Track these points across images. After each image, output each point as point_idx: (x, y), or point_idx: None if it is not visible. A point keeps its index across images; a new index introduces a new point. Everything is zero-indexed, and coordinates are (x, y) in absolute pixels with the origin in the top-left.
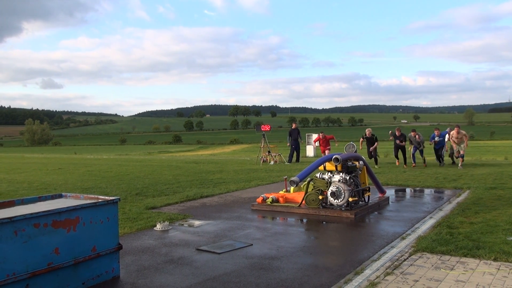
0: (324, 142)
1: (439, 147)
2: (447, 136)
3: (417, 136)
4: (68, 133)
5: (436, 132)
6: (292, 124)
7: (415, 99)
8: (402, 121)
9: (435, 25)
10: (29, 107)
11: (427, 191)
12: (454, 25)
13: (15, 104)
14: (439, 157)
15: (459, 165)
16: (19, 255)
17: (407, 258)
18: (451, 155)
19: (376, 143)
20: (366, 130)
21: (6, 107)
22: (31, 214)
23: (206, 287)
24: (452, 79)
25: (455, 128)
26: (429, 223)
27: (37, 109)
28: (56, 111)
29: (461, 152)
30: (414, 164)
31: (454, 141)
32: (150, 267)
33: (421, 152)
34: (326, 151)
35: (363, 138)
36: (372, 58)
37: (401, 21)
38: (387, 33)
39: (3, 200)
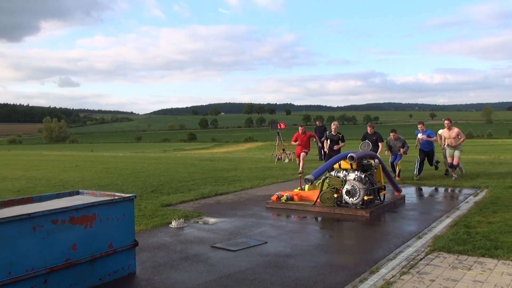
0: (304, 141)
1: (428, 150)
2: (440, 134)
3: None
4: (85, 130)
5: (420, 127)
6: (317, 121)
7: (431, 97)
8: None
9: (453, 21)
10: (47, 105)
11: (443, 189)
12: (472, 21)
13: (33, 102)
14: (432, 163)
15: (453, 176)
16: (38, 250)
17: (424, 257)
18: (436, 163)
19: (342, 143)
20: (332, 125)
21: (24, 105)
22: (49, 210)
23: (221, 284)
24: (470, 77)
25: (445, 122)
26: (446, 222)
27: (55, 107)
28: (73, 109)
29: (455, 161)
30: (396, 176)
31: (448, 144)
32: (165, 264)
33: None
34: (302, 154)
35: (326, 138)
36: (388, 56)
37: (418, 18)
38: (403, 30)
39: (22, 196)
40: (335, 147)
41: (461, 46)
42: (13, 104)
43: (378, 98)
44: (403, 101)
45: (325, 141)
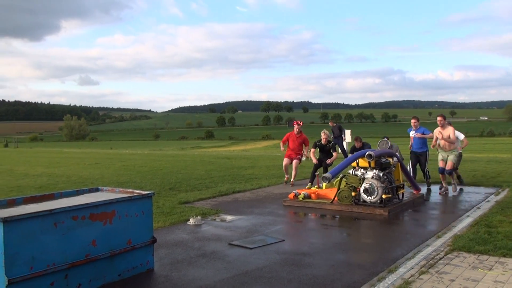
0: (297, 144)
1: (420, 152)
2: (435, 133)
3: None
4: (104, 128)
5: (413, 123)
6: (330, 122)
7: (452, 94)
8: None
9: (474, 17)
10: (67, 103)
11: (464, 188)
12: (494, 17)
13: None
14: (424, 170)
15: (442, 185)
16: (59, 246)
17: (443, 257)
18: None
19: (334, 154)
20: (322, 134)
21: (46, 103)
22: (70, 207)
23: (238, 282)
24: (491, 73)
25: (438, 120)
26: (466, 221)
27: (75, 105)
28: (92, 107)
29: (448, 165)
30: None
31: (439, 145)
32: (183, 260)
33: None
34: (295, 161)
35: (314, 146)
36: (407, 53)
37: (438, 14)
38: (422, 26)
39: (43, 193)
40: (328, 161)
41: (482, 42)
42: (35, 102)
43: (397, 96)
44: (422, 99)
45: (312, 150)
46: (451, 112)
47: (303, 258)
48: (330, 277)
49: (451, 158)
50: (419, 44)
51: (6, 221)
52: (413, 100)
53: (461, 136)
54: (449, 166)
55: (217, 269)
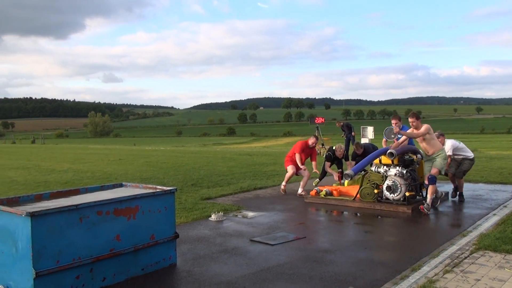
0: (304, 156)
1: None
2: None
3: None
4: (128, 125)
5: (394, 123)
6: (337, 123)
7: (478, 90)
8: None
9: (501, 11)
10: (92, 101)
11: (490, 186)
12: None
13: (79, 98)
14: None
15: (426, 204)
16: (84, 240)
17: (468, 256)
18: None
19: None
20: (338, 149)
21: (71, 100)
22: (95, 202)
23: (260, 278)
24: None
25: (410, 121)
26: (492, 220)
27: (99, 102)
28: (116, 104)
29: (432, 171)
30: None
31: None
32: (205, 256)
33: None
34: (304, 172)
35: (329, 159)
36: (432, 48)
37: (464, 8)
38: (448, 21)
39: (69, 188)
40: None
41: (510, 36)
42: (61, 99)
43: (421, 92)
44: (447, 95)
45: (328, 164)
46: (477, 108)
47: (324, 255)
48: (352, 275)
49: (437, 164)
50: (444, 39)
51: (34, 215)
52: (438, 96)
53: (448, 149)
54: (434, 172)
55: (238, 265)
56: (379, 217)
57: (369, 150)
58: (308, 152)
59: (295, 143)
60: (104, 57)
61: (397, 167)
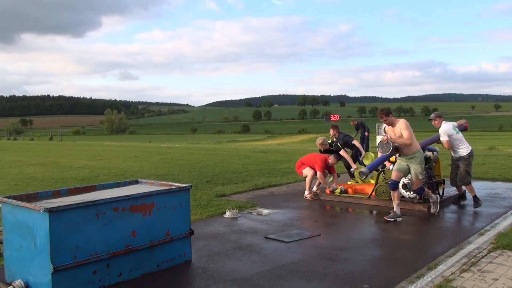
0: (323, 166)
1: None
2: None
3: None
4: (143, 122)
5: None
6: (351, 122)
7: (496, 87)
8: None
9: None
10: (108, 98)
11: (508, 185)
12: None
13: (95, 95)
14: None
15: (433, 209)
16: (101, 236)
17: (486, 255)
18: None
19: (343, 152)
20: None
21: (88, 98)
22: (111, 198)
23: (274, 275)
24: None
25: (381, 119)
26: (510, 219)
27: (115, 99)
28: (132, 101)
29: (414, 184)
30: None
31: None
32: (220, 253)
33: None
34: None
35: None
36: (449, 44)
37: (482, 4)
38: (465, 17)
39: (86, 184)
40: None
41: None
42: (78, 97)
43: (438, 89)
44: (465, 92)
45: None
46: (496, 105)
47: (339, 253)
48: (367, 273)
49: (414, 170)
50: (462, 35)
51: (52, 211)
52: (455, 93)
53: (442, 134)
54: (415, 184)
55: (253, 262)
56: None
57: (342, 137)
58: (326, 164)
59: (310, 153)
60: (120, 55)
61: None
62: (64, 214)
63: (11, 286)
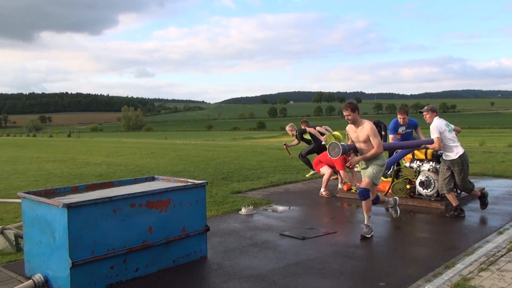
0: (342, 164)
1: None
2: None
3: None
4: (159, 119)
5: (401, 118)
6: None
7: None
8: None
9: None
10: (125, 95)
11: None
12: None
13: (112, 92)
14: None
15: (365, 228)
16: (118, 232)
17: (505, 254)
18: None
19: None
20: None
21: (105, 95)
22: (128, 194)
23: (290, 272)
24: None
25: (345, 114)
26: None
27: (132, 96)
28: (148, 98)
29: (363, 183)
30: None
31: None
32: (235, 249)
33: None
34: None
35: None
36: (468, 40)
37: None
38: (485, 11)
39: (103, 181)
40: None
41: None
42: (95, 94)
43: (456, 85)
44: (484, 88)
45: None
46: None
47: (355, 250)
48: (383, 271)
49: (369, 172)
50: (481, 30)
51: (70, 207)
52: (474, 90)
53: (432, 130)
54: (364, 183)
55: (268, 258)
56: (411, 213)
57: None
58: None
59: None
60: (136, 52)
61: (431, 162)
62: (82, 209)
63: (31, 280)
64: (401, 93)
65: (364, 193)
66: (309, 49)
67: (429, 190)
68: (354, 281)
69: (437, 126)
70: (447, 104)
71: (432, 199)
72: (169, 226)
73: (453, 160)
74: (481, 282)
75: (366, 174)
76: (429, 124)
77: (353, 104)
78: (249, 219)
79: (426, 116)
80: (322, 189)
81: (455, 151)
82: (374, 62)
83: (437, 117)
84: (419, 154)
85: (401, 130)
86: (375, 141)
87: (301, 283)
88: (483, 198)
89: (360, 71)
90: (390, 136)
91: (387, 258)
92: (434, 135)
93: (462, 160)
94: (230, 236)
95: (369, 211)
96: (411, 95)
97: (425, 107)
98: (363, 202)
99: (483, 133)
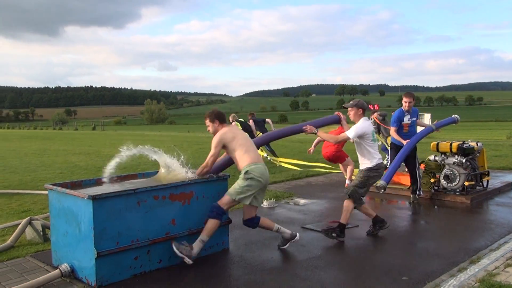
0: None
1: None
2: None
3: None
4: (182, 112)
5: (406, 102)
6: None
7: None
8: None
9: None
10: (148, 89)
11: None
12: None
13: (136, 86)
14: (416, 172)
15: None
16: (142, 223)
17: None
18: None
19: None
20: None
21: (128, 88)
22: (152, 187)
23: (311, 265)
24: None
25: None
26: None
27: (155, 90)
28: (171, 91)
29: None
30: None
31: None
32: (257, 242)
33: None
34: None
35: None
36: (495, 30)
37: None
38: None
39: (127, 173)
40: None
41: None
42: (119, 88)
43: (483, 77)
44: None
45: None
46: None
47: (378, 244)
48: (406, 265)
49: (236, 183)
50: (509, 20)
51: (95, 198)
52: (502, 82)
53: (351, 133)
54: (220, 200)
55: (290, 251)
56: (435, 207)
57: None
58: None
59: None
60: (159, 46)
61: (456, 156)
62: (107, 201)
63: (57, 270)
64: (425, 85)
65: (214, 210)
66: (331, 42)
67: (453, 184)
68: (377, 275)
69: (363, 129)
70: (474, 96)
71: (457, 193)
72: (191, 218)
73: (368, 167)
74: (507, 278)
75: (227, 192)
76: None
77: (214, 113)
78: (271, 212)
79: (350, 113)
80: (348, 181)
81: (373, 160)
82: (398, 54)
83: (366, 119)
84: (443, 147)
85: (406, 119)
86: (212, 150)
87: (323, 276)
88: (378, 223)
89: (384, 63)
90: (392, 129)
91: (410, 252)
92: (351, 133)
93: (372, 171)
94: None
95: (208, 234)
96: (436, 87)
97: (351, 102)
98: (208, 220)
99: (510, 126)
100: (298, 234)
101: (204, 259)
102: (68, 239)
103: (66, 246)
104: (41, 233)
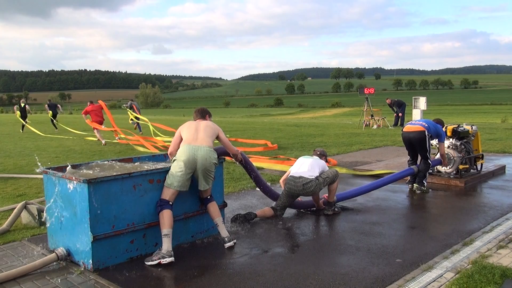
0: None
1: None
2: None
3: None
4: (177, 96)
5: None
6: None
7: None
8: None
9: None
10: (142, 72)
11: None
12: None
13: (130, 70)
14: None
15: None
16: (137, 207)
17: None
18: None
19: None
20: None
21: (123, 72)
22: (147, 170)
23: (307, 247)
24: None
25: None
26: None
27: (150, 73)
28: (166, 75)
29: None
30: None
31: None
32: (252, 224)
33: None
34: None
35: None
36: (492, 13)
37: None
38: None
39: (123, 157)
40: None
41: None
42: (113, 71)
43: (479, 60)
44: (508, 63)
45: None
46: None
47: (372, 227)
48: (400, 247)
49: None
50: (506, 3)
51: (91, 182)
52: (497, 65)
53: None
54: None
55: (285, 234)
56: (430, 190)
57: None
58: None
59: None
60: (153, 28)
61: (451, 139)
62: (103, 185)
63: (54, 254)
64: (421, 68)
65: (160, 203)
66: (327, 24)
67: (448, 167)
68: (371, 257)
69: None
70: (469, 80)
71: (451, 176)
72: (187, 202)
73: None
74: (499, 260)
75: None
76: None
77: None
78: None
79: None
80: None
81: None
82: (394, 37)
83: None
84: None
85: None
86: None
87: (317, 259)
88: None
89: (379, 46)
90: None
91: (404, 235)
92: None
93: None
94: (246, 211)
95: (164, 227)
96: (432, 70)
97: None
98: (161, 214)
99: (505, 109)
100: (231, 243)
101: (200, 242)
102: (64, 223)
103: (62, 230)
104: (37, 217)
